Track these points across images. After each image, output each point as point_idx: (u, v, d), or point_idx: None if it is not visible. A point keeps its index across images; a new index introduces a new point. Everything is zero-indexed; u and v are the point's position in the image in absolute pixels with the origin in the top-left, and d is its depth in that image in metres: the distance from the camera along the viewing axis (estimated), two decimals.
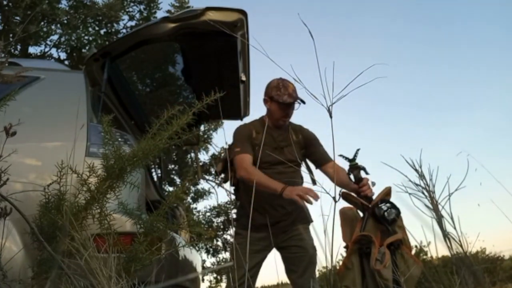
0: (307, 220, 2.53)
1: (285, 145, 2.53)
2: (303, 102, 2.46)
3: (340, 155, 2.93)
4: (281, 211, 2.46)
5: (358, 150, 2.89)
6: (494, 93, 21.67)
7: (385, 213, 2.63)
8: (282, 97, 2.43)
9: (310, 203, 2.22)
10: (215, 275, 11.47)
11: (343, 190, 2.45)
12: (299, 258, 2.43)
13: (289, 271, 2.47)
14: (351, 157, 2.90)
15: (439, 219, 1.14)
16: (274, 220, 2.42)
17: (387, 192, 2.74)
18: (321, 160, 2.57)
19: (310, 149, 2.59)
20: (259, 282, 2.60)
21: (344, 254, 2.71)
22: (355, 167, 2.85)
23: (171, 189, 11.72)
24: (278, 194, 2.23)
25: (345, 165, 2.92)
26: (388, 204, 2.68)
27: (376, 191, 2.86)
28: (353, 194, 2.84)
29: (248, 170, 2.34)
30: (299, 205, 2.48)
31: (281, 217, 2.45)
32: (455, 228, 1.12)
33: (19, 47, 7.99)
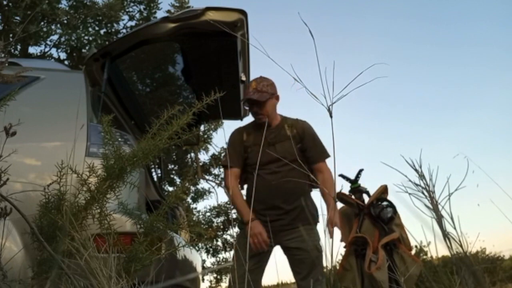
0: (309, 221, 2.46)
1: (276, 141, 2.49)
2: (253, 100, 2.44)
3: (341, 175, 2.88)
4: (277, 211, 2.43)
5: (360, 171, 2.83)
6: (494, 92, 21.67)
7: (381, 213, 2.62)
8: (243, 97, 2.47)
9: (258, 249, 2.32)
10: (215, 275, 11.48)
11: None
12: (301, 261, 2.40)
13: (293, 272, 2.46)
14: (353, 178, 2.85)
15: (439, 219, 1.14)
16: (270, 219, 2.38)
17: (383, 191, 2.73)
18: (311, 158, 2.52)
19: (304, 144, 2.53)
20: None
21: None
22: (357, 190, 2.81)
23: (171, 189, 11.72)
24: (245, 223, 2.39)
25: (346, 186, 2.90)
26: (384, 203, 2.67)
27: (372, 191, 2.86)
28: (348, 194, 2.83)
29: (229, 189, 2.47)
30: (299, 205, 2.45)
31: (278, 216, 2.42)
32: (455, 228, 1.12)
33: (19, 47, 7.98)
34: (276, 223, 2.41)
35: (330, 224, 2.34)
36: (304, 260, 2.39)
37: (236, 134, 2.59)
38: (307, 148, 2.52)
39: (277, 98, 2.55)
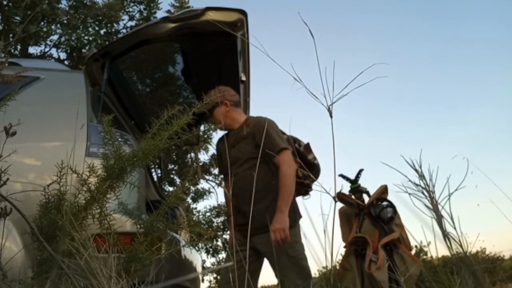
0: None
1: (235, 143, 2.46)
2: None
3: (341, 175, 2.87)
4: (242, 214, 2.28)
5: (360, 171, 2.84)
6: (496, 90, 21.65)
7: (381, 213, 2.62)
8: None
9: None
10: (215, 275, 11.48)
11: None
12: (272, 266, 2.29)
13: None
14: (353, 178, 2.86)
15: (439, 219, 1.14)
16: (242, 223, 2.28)
17: (383, 191, 2.74)
18: (268, 154, 2.32)
19: (256, 140, 2.37)
20: (260, 282, 2.54)
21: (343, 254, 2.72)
22: (357, 190, 2.81)
23: (171, 189, 11.72)
24: None
25: (346, 186, 2.88)
26: (384, 203, 2.68)
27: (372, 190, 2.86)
28: (348, 194, 2.83)
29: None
30: (263, 206, 2.29)
31: (245, 219, 2.19)
32: (455, 228, 1.13)
33: (19, 47, 7.98)
34: (245, 227, 2.11)
35: (272, 232, 2.16)
36: (273, 265, 2.25)
37: (217, 144, 2.76)
38: (261, 145, 2.30)
39: (226, 104, 2.52)
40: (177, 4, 11.27)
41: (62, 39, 7.97)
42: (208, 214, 11.93)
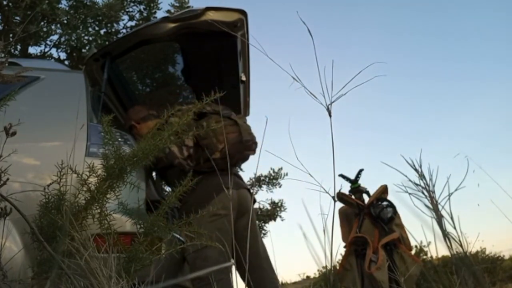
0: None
1: None
2: None
3: (341, 175, 2.87)
4: None
5: (360, 171, 2.84)
6: (496, 86, 21.61)
7: (381, 213, 2.62)
8: None
9: None
10: None
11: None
12: None
13: None
14: (353, 178, 2.86)
15: (439, 219, 1.14)
16: None
17: (383, 191, 2.74)
18: None
19: None
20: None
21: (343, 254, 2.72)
22: (357, 190, 2.81)
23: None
24: None
25: (346, 186, 2.88)
26: (384, 203, 2.68)
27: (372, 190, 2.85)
28: (348, 194, 2.83)
29: None
30: None
31: None
32: (455, 228, 1.12)
33: (19, 47, 7.97)
34: None
35: None
36: None
37: None
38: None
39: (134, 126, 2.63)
40: (177, 4, 11.24)
41: (62, 39, 7.96)
42: None
